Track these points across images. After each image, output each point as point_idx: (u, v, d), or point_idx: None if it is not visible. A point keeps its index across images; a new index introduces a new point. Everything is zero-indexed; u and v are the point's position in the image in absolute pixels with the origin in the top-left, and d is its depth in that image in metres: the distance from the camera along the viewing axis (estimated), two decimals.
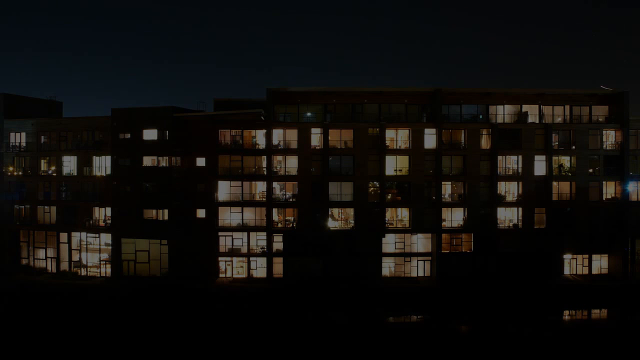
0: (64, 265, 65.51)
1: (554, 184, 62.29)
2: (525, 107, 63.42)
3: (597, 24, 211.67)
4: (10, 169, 67.85)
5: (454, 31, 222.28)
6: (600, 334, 48.38)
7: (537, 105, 63.24)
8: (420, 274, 62.34)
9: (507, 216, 62.78)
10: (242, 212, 61.97)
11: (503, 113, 63.47)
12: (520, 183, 62.31)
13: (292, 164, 62.01)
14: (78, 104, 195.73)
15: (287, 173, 61.90)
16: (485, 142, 62.32)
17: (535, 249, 61.62)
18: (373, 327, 50.30)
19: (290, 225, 62.01)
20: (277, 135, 62.11)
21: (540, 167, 62.08)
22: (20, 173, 67.42)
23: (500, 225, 62.09)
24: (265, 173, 61.45)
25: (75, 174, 65.34)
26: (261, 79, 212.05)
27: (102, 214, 64.86)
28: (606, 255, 62.71)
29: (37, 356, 42.13)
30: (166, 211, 62.38)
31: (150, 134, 62.85)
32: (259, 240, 61.80)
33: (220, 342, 45.20)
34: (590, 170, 62.49)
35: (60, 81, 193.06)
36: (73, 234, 65.28)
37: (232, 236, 61.81)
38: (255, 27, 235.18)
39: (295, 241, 61.44)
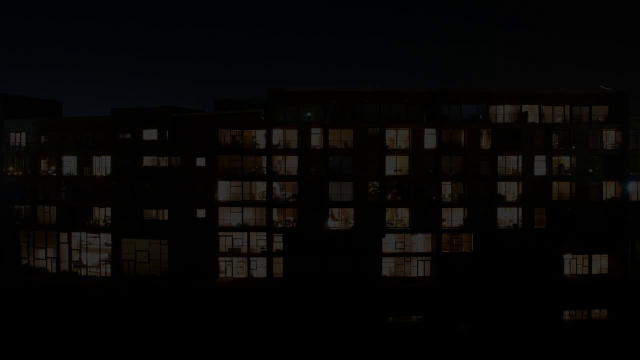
0: (64, 265, 65.51)
1: (554, 184, 62.28)
2: (525, 107, 63.36)
3: (597, 23, 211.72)
4: (10, 169, 67.85)
5: (453, 30, 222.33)
6: (601, 334, 48.36)
7: (537, 105, 63.19)
8: (420, 274, 62.33)
9: (507, 216, 62.75)
10: (242, 212, 61.94)
11: (503, 113, 63.42)
12: (520, 183, 62.30)
13: (292, 164, 61.98)
14: (78, 104, 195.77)
15: (287, 173, 61.89)
16: (485, 142, 62.31)
17: (535, 249, 61.63)
18: (373, 327, 50.28)
19: (290, 225, 62.00)
20: (277, 135, 62.09)
21: (540, 167, 62.07)
22: (20, 173, 67.41)
23: (500, 225, 62.09)
24: (265, 173, 61.45)
25: (75, 174, 65.32)
26: (262, 78, 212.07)
27: (102, 214, 64.85)
28: (606, 255, 62.70)
29: (37, 356, 42.13)
30: (166, 211, 62.38)
31: (150, 134, 62.85)
32: (259, 240, 61.79)
33: (220, 342, 45.19)
34: (590, 170, 62.49)
35: (60, 81, 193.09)
36: (73, 234, 65.28)
37: (232, 236, 61.79)
38: (256, 26, 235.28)
39: (295, 241, 61.43)
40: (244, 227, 61.81)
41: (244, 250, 61.92)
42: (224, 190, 62.10)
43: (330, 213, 62.27)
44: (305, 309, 54.25)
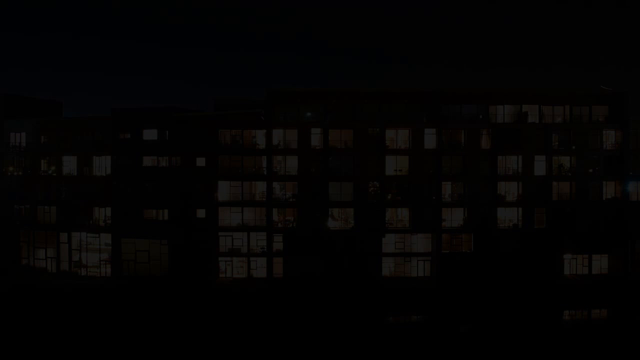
0: (64, 265, 65.55)
1: (554, 184, 62.32)
2: (525, 107, 63.33)
3: (597, 24, 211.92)
4: (10, 169, 67.89)
5: (453, 31, 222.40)
6: (601, 334, 48.38)
7: (537, 105, 63.18)
8: (420, 274, 62.35)
9: (507, 216, 62.78)
10: (242, 212, 61.98)
11: (503, 113, 63.37)
12: (520, 183, 62.33)
13: (292, 164, 62.00)
14: (78, 103, 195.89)
15: (287, 173, 61.91)
16: (485, 142, 62.34)
17: (536, 249, 61.67)
18: (373, 327, 50.30)
19: (290, 225, 62.04)
20: (277, 135, 62.10)
21: (540, 167, 62.11)
22: (20, 173, 67.43)
23: (500, 225, 62.12)
24: (265, 173, 61.49)
25: (75, 174, 65.34)
26: (262, 77, 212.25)
27: (102, 214, 64.88)
28: (606, 255, 62.71)
29: (37, 356, 42.13)
30: (166, 211, 62.42)
31: (150, 134, 62.91)
32: (259, 240, 61.82)
33: (220, 342, 45.20)
34: (590, 170, 62.52)
35: (60, 81, 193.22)
36: (73, 234, 65.32)
37: (232, 236, 61.83)
38: (255, 25, 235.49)
39: (295, 241, 61.47)
40: (244, 227, 61.83)
41: (244, 250, 61.96)
42: (224, 190, 62.13)
43: (330, 213, 62.30)
44: (305, 309, 54.27)
